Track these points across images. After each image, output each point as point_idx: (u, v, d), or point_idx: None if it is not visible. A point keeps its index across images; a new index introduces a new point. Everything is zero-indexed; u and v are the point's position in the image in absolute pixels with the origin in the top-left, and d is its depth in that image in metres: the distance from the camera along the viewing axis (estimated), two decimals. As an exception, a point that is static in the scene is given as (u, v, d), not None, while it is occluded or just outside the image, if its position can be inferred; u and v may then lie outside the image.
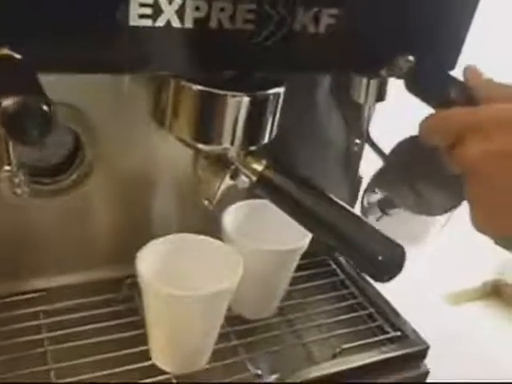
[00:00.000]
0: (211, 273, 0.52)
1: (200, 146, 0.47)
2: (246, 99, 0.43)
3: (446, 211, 0.55)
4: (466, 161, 0.39)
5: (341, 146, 0.67)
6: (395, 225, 0.61)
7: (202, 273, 0.52)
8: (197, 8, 0.40)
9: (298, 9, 0.43)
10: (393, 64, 0.49)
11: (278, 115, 0.47)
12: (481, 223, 0.40)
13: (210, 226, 0.56)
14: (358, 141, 0.66)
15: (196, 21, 0.41)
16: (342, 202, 0.44)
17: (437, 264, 1.11)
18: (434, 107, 0.48)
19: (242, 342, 0.57)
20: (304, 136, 0.63)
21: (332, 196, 0.44)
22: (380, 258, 0.41)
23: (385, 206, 0.60)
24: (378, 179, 0.59)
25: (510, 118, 0.38)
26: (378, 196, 0.60)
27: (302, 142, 0.64)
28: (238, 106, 0.43)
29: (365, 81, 0.54)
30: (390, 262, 0.41)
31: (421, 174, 0.54)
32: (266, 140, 0.47)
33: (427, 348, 0.60)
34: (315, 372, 0.56)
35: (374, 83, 0.54)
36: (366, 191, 0.60)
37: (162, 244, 0.53)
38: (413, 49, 0.49)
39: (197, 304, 0.49)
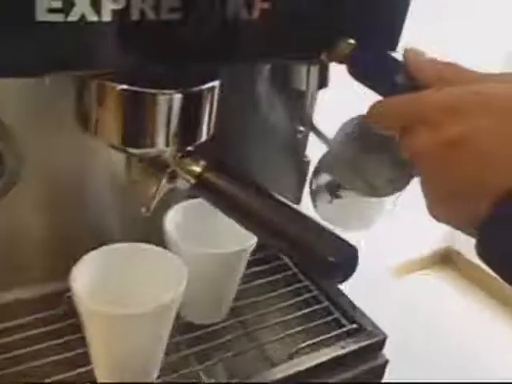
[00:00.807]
0: (155, 284, 0.48)
1: (131, 150, 0.43)
2: (177, 96, 0.40)
3: (394, 192, 0.53)
4: (414, 151, 0.37)
5: (285, 135, 0.64)
6: (346, 207, 0.59)
7: (145, 285, 0.49)
8: (114, -1, 0.36)
9: (228, -7, 0.39)
10: (333, 48, 0.47)
11: (214, 110, 0.44)
12: (435, 213, 0.39)
13: (153, 233, 0.52)
14: (302, 128, 0.64)
15: (115, 13, 0.37)
16: (287, 201, 0.41)
17: (384, 234, 1.10)
18: (379, 93, 0.45)
19: (194, 351, 0.54)
20: (247, 128, 0.60)
21: (277, 195, 0.41)
22: (331, 259, 0.38)
23: (334, 189, 0.58)
24: (324, 163, 0.56)
25: (456, 103, 0.36)
26: (326, 179, 0.58)
27: (244, 134, 0.60)
28: (168, 104, 0.39)
29: (305, 67, 0.51)
30: (343, 263, 0.38)
31: (366, 156, 0.52)
32: (204, 138, 0.43)
33: (385, 339, 0.59)
34: (272, 376, 0.53)
35: (314, 69, 0.51)
36: (313, 175, 0.58)
37: (99, 256, 0.49)
38: (353, 31, 0.47)
39: (138, 322, 0.45)
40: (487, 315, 2.17)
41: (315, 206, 0.58)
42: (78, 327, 0.50)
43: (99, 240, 0.51)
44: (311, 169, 0.59)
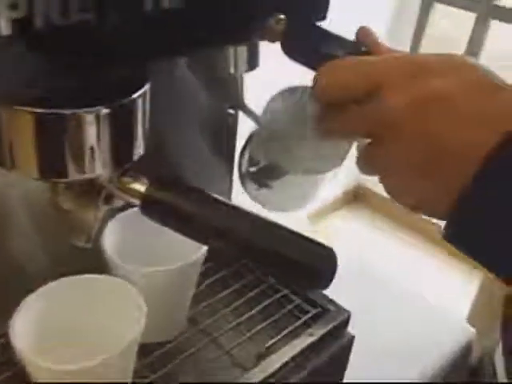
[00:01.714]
0: (108, 321, 0.43)
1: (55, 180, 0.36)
2: (104, 112, 0.34)
3: (331, 168, 0.50)
4: (380, 118, 0.34)
5: (214, 121, 0.59)
6: (281, 189, 0.55)
7: (96, 323, 0.43)
8: (13, 6, 0.29)
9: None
10: (264, 27, 0.42)
11: (147, 118, 0.38)
12: (403, 193, 0.36)
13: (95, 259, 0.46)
14: (231, 111, 0.59)
15: (15, 23, 0.30)
16: (247, 209, 0.37)
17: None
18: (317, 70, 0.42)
19: (160, 375, 0.50)
20: (175, 121, 0.54)
21: (234, 204, 0.37)
22: (318, 267, 0.35)
23: (265, 174, 0.54)
24: (252, 142, 0.53)
25: (422, 64, 0.34)
26: (255, 162, 0.54)
27: (173, 127, 0.55)
28: (94, 123, 0.33)
29: (231, 49, 0.46)
30: (328, 269, 0.35)
31: (299, 130, 0.49)
32: (142, 152, 0.38)
33: (349, 316, 0.57)
34: (245, 380, 0.50)
35: (242, 50, 0.47)
36: (240, 156, 0.54)
37: (39, 297, 0.43)
38: (281, 5, 0.42)
39: (90, 376, 0.39)
40: (408, 248, 2.28)
41: (247, 191, 0.54)
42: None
43: (39, 276, 0.44)
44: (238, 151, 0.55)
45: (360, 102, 0.35)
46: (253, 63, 0.47)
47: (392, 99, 0.33)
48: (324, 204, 2.40)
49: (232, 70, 0.48)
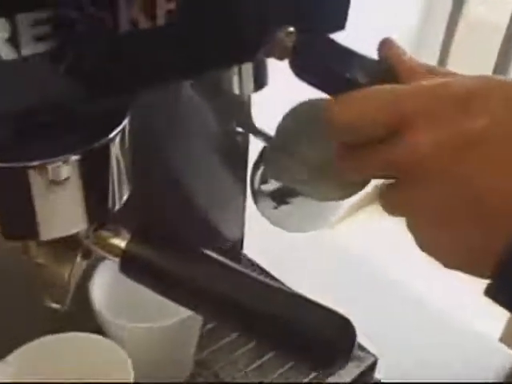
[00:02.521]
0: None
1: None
2: (73, 160, 0.28)
3: (350, 195, 0.44)
4: (409, 157, 0.28)
5: (223, 140, 0.53)
6: (298, 208, 0.49)
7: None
8: None
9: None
10: (272, 42, 0.35)
11: (130, 155, 0.32)
12: (429, 244, 0.30)
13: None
14: (240, 130, 0.53)
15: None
16: (245, 270, 0.31)
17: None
18: (330, 93, 0.35)
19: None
20: (182, 144, 0.48)
21: (232, 264, 0.31)
22: (328, 336, 0.28)
23: (280, 196, 0.48)
24: (265, 161, 0.46)
25: (470, 93, 0.27)
26: (271, 184, 0.48)
27: (180, 150, 0.49)
28: (62, 173, 0.27)
29: (235, 69, 0.40)
30: (341, 339, 0.28)
31: (312, 153, 0.42)
32: (124, 199, 0.32)
33: (376, 361, 0.51)
34: None
35: (247, 69, 0.40)
36: (252, 174, 0.48)
37: (20, 356, 0.37)
38: (292, 17, 0.36)
39: None
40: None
41: (260, 210, 0.48)
42: None
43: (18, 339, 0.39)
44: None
45: (380, 140, 0.29)
46: (260, 82, 0.41)
47: (419, 140, 0.27)
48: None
49: (237, 91, 0.41)
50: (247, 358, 0.50)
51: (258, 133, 0.46)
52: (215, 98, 0.47)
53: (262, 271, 0.61)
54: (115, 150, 0.30)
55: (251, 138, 0.54)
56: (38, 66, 0.26)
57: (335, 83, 0.34)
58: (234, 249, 0.61)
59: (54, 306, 0.34)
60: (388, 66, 0.33)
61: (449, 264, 0.30)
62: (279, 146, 0.42)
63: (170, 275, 0.30)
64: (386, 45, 0.33)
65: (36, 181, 0.27)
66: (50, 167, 0.27)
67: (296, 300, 0.29)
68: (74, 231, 0.30)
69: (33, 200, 0.27)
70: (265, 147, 0.46)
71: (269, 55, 0.37)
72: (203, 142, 0.51)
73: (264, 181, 0.47)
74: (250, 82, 0.41)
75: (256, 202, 0.48)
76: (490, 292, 0.28)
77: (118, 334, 0.40)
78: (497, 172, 0.26)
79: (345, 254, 0.73)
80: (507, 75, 1.96)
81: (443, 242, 0.29)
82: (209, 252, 0.31)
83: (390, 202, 0.31)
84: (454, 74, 0.31)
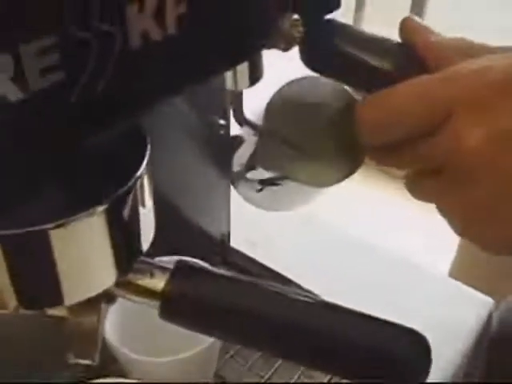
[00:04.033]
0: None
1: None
2: (99, 210, 0.23)
3: (342, 179, 0.42)
4: (455, 150, 0.26)
5: (206, 134, 0.49)
6: (282, 192, 0.47)
7: None
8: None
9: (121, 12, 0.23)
10: (276, 33, 0.32)
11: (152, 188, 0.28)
12: (470, 229, 0.29)
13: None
14: (222, 121, 0.49)
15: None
16: (294, 291, 0.28)
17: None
18: (353, 84, 0.32)
19: None
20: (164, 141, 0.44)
21: (279, 286, 0.28)
22: (403, 356, 0.26)
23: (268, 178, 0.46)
24: (254, 147, 0.44)
25: (506, 82, 0.25)
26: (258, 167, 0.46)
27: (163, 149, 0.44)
28: (89, 229, 0.23)
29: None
30: (418, 358, 0.27)
31: (306, 132, 0.40)
32: (149, 243, 0.28)
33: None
34: None
35: (242, 64, 0.36)
36: (234, 157, 0.45)
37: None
38: (295, 4, 0.32)
39: None
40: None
41: (240, 192, 0.46)
42: None
43: None
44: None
45: (419, 135, 0.27)
46: (256, 76, 0.37)
47: (461, 133, 0.26)
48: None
49: (231, 87, 0.38)
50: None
51: (250, 124, 0.43)
52: (204, 92, 0.43)
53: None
54: (143, 186, 0.26)
55: (233, 129, 0.51)
56: (44, 102, 0.22)
57: (355, 72, 0.31)
58: (222, 243, 0.58)
59: (83, 362, 0.30)
60: (412, 50, 0.30)
61: (489, 248, 0.29)
62: (268, 131, 0.40)
63: (221, 311, 0.27)
64: (407, 25, 0.31)
65: (58, 243, 0.23)
66: (72, 224, 0.23)
67: (360, 318, 0.27)
68: (103, 289, 0.26)
69: (54, 264, 0.23)
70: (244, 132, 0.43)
71: (272, 47, 0.33)
72: (185, 136, 0.47)
73: (250, 167, 0.44)
74: (245, 78, 0.37)
75: (235, 185, 0.46)
76: None
77: (139, 368, 0.37)
78: None
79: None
80: None
81: (486, 231, 0.28)
82: (253, 279, 0.28)
83: (427, 190, 0.30)
84: (487, 49, 0.29)
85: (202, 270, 0.28)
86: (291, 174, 0.40)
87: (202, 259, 0.46)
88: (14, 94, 0.21)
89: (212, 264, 0.45)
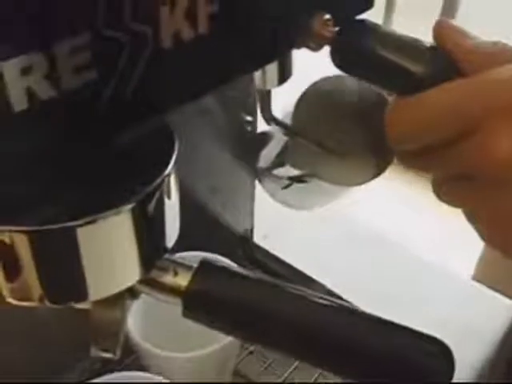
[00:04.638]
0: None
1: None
2: (126, 210, 0.24)
3: (366, 181, 0.41)
4: (486, 164, 0.25)
5: (233, 129, 0.49)
6: (309, 190, 0.47)
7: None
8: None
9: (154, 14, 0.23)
10: (306, 32, 0.32)
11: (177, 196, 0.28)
12: (500, 238, 0.28)
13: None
14: (249, 118, 0.49)
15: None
16: (322, 296, 0.28)
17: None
18: (389, 88, 0.32)
19: None
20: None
21: (307, 290, 0.28)
22: (428, 366, 0.26)
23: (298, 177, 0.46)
24: (282, 145, 0.44)
25: None
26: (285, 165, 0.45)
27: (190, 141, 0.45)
28: (116, 227, 0.24)
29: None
30: (443, 368, 0.26)
31: (330, 137, 0.40)
32: (174, 241, 0.28)
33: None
34: None
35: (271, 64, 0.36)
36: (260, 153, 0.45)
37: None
38: (326, 3, 0.32)
39: None
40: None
41: (266, 190, 0.46)
42: None
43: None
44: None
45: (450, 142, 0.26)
46: (284, 76, 0.37)
47: (494, 145, 0.25)
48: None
49: (260, 86, 0.37)
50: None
51: (278, 122, 0.43)
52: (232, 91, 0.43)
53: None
54: (170, 184, 0.26)
55: (259, 125, 0.51)
56: (75, 102, 0.22)
57: (386, 74, 0.31)
58: (245, 239, 0.58)
59: (104, 355, 0.30)
60: (445, 53, 0.30)
61: None
62: (297, 129, 0.39)
63: (244, 312, 0.27)
64: (440, 28, 0.30)
65: (85, 240, 0.23)
66: (99, 222, 0.23)
67: (383, 326, 0.27)
68: (127, 285, 0.26)
69: (81, 262, 0.24)
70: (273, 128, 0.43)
71: (303, 46, 0.33)
72: (211, 132, 0.48)
73: (277, 164, 0.44)
74: (274, 76, 0.37)
75: (262, 182, 0.46)
76: None
77: (159, 363, 0.37)
78: None
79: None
80: None
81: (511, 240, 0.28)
82: (276, 281, 0.28)
83: (454, 195, 0.29)
84: None
85: (225, 269, 0.28)
86: (319, 172, 0.40)
87: (225, 255, 0.47)
88: (45, 92, 0.21)
89: (234, 260, 0.46)
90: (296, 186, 0.45)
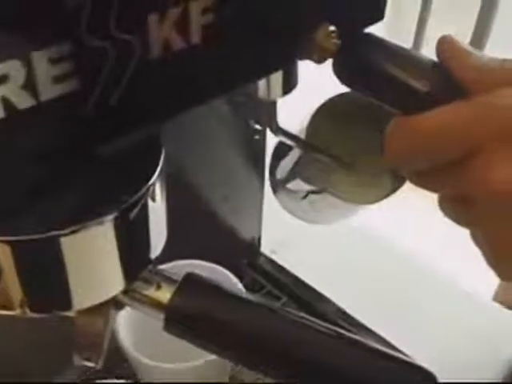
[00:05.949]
0: None
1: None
2: (109, 219, 0.23)
3: (379, 199, 0.40)
4: (483, 193, 0.24)
5: (241, 138, 0.49)
6: (321, 205, 0.46)
7: None
8: None
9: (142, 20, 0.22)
10: (310, 44, 0.31)
11: (164, 204, 0.27)
12: (503, 266, 0.27)
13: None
14: (258, 126, 0.49)
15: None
16: (312, 319, 0.27)
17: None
18: (389, 103, 0.31)
19: None
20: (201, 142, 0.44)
21: (294, 312, 0.27)
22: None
23: (307, 192, 0.45)
24: (293, 159, 0.43)
25: None
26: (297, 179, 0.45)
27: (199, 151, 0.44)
28: (99, 236, 0.23)
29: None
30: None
31: (344, 154, 0.39)
32: (158, 253, 0.27)
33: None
34: None
35: (276, 73, 0.35)
36: (273, 166, 0.44)
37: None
38: (332, 15, 0.31)
39: None
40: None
41: (279, 202, 0.45)
42: None
43: None
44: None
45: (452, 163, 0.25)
46: (289, 86, 0.36)
47: (491, 175, 0.24)
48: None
49: (264, 96, 0.37)
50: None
51: (284, 133, 0.42)
52: (238, 100, 0.42)
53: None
54: (156, 193, 0.25)
55: (268, 134, 0.50)
56: (55, 111, 0.22)
57: (388, 90, 0.30)
58: (252, 247, 0.58)
59: (87, 363, 0.30)
60: (449, 71, 0.28)
61: None
62: (311, 146, 0.39)
63: (226, 331, 0.27)
64: (443, 45, 0.29)
65: (68, 250, 0.23)
66: (82, 232, 0.23)
67: (370, 353, 0.26)
68: (110, 296, 0.26)
69: (63, 270, 0.23)
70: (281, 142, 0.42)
71: (305, 58, 0.32)
72: (219, 140, 0.47)
73: (291, 177, 0.44)
74: (278, 87, 0.36)
75: (277, 194, 0.45)
76: None
77: (151, 374, 0.37)
78: None
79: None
80: None
81: None
82: (264, 301, 0.27)
83: (459, 217, 0.28)
84: None
85: (210, 285, 0.28)
86: (332, 188, 0.39)
87: (232, 262, 0.46)
88: (22, 101, 0.20)
89: (240, 268, 0.45)
90: (310, 200, 0.44)
